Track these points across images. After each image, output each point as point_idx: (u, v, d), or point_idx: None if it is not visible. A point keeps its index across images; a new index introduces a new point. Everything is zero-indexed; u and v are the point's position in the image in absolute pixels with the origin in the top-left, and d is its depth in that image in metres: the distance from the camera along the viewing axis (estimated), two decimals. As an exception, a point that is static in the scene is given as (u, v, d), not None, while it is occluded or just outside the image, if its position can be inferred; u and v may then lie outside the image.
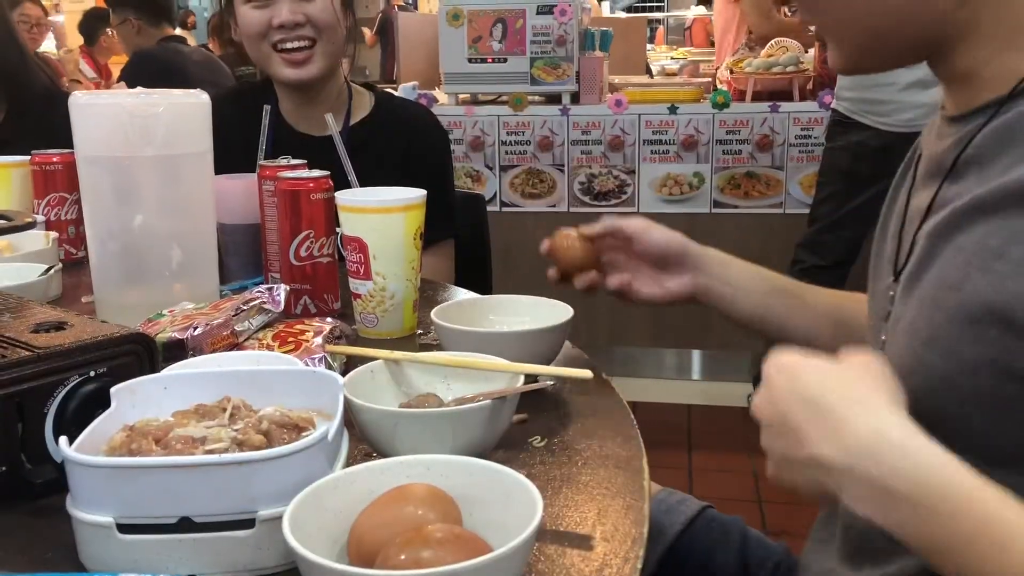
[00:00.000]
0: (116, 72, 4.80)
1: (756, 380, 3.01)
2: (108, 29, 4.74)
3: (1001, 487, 0.58)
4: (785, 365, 0.65)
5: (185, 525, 0.56)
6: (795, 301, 1.02)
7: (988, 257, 0.64)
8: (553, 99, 3.20)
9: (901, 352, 0.71)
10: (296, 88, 1.52)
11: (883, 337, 0.77)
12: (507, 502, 0.56)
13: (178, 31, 5.13)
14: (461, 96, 3.26)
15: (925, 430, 0.67)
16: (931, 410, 0.68)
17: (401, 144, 1.58)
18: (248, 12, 1.46)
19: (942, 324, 0.67)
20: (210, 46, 5.16)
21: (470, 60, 3.12)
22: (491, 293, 1.28)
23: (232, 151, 1.39)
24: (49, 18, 4.89)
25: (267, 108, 1.39)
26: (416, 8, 7.76)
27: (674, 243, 1.00)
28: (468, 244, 1.71)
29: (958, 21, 0.69)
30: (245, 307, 0.95)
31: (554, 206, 3.24)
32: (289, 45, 1.45)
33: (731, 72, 3.29)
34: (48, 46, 5.46)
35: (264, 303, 0.98)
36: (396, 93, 2.05)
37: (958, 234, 0.68)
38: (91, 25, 5.35)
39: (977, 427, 0.66)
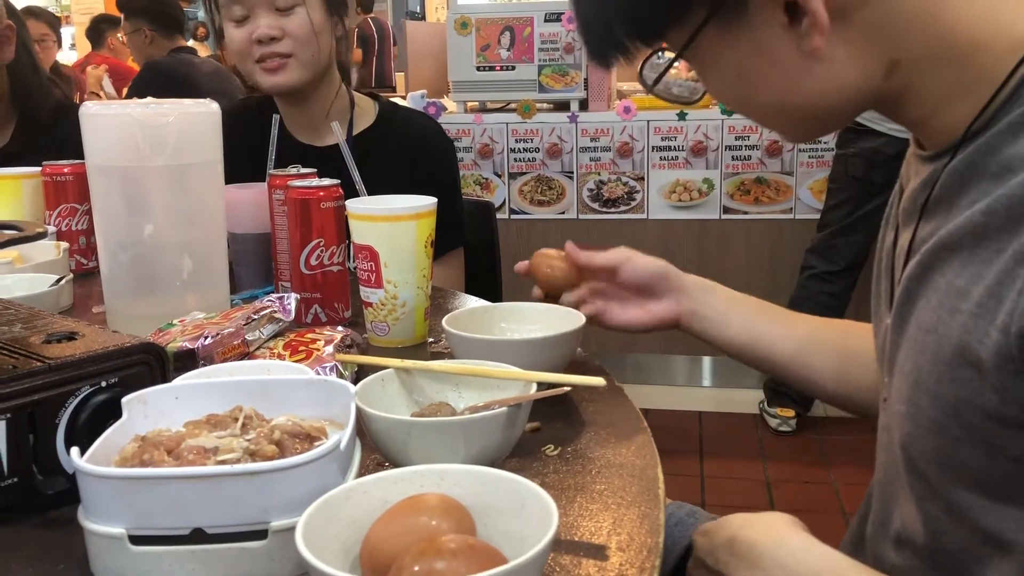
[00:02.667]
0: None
1: (767, 386, 3.01)
2: (119, 34, 4.76)
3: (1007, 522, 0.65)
4: (704, 529, 0.79)
5: (197, 536, 0.56)
6: (785, 329, 1.02)
7: (956, 298, 0.64)
8: (561, 106, 3.20)
9: (898, 395, 0.72)
10: (282, 96, 1.54)
11: (886, 379, 0.77)
12: (522, 512, 0.55)
13: (189, 43, 5.15)
14: (469, 104, 3.27)
15: (925, 469, 0.69)
16: (929, 452, 0.68)
17: (407, 155, 1.58)
18: (232, 31, 1.50)
19: (924, 367, 0.67)
20: (220, 56, 5.18)
21: (478, 68, 3.13)
22: (501, 301, 1.27)
23: (242, 163, 1.40)
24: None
25: (276, 117, 1.39)
26: (424, 17, 7.80)
27: (657, 269, 1.02)
28: (477, 252, 1.71)
29: (890, 88, 0.68)
30: (256, 316, 0.95)
31: (563, 213, 3.24)
32: (268, 59, 1.48)
33: (740, 78, 3.28)
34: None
35: (275, 312, 0.97)
36: (401, 102, 2.05)
37: (932, 275, 0.68)
38: (97, 29, 5.39)
39: (973, 465, 0.66)
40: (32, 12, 4.57)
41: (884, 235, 0.83)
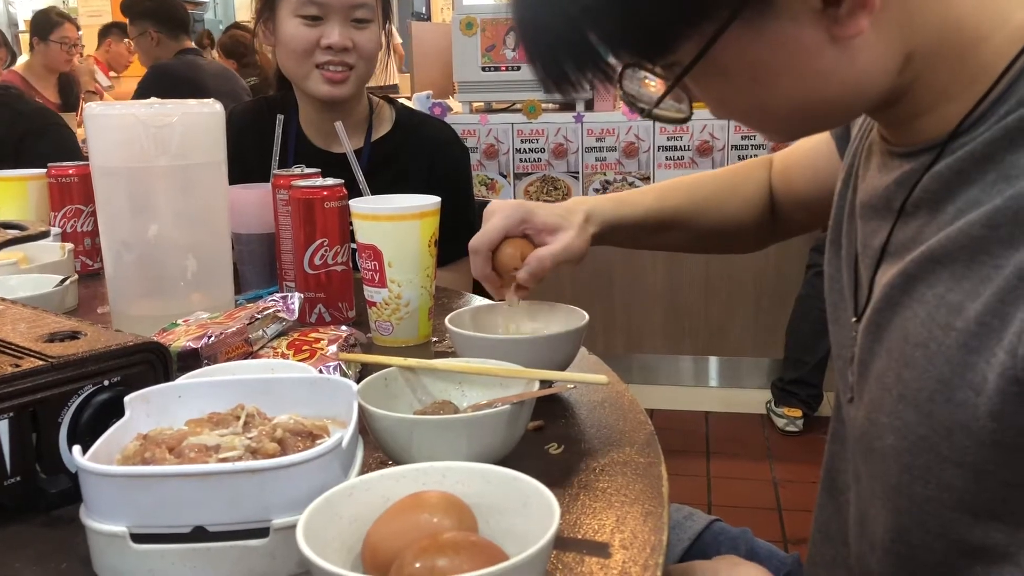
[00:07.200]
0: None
1: (774, 386, 3.01)
2: (125, 39, 4.79)
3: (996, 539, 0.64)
4: (671, 571, 0.78)
5: (199, 534, 0.56)
6: (679, 194, 1.04)
7: (948, 313, 0.62)
8: (567, 106, 3.20)
9: (876, 404, 0.70)
10: (326, 104, 1.54)
11: (850, 379, 0.76)
12: (524, 509, 0.55)
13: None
14: (475, 104, 3.26)
15: (909, 484, 0.68)
16: (913, 467, 0.66)
17: (424, 162, 1.59)
18: (297, 27, 1.48)
19: (912, 382, 0.65)
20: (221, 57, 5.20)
21: (484, 68, 3.13)
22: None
23: (249, 164, 1.40)
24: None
25: (280, 117, 1.39)
26: (429, 18, 7.80)
27: (548, 218, 0.95)
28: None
29: (897, 86, 0.66)
30: (259, 316, 0.95)
31: (569, 213, 3.23)
32: (332, 67, 1.48)
33: (745, 77, 3.28)
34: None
35: (279, 312, 0.97)
36: (407, 103, 2.05)
37: (917, 285, 0.65)
38: (105, 32, 5.42)
39: (960, 485, 0.64)
40: (68, 18, 4.60)
41: (841, 228, 0.80)
